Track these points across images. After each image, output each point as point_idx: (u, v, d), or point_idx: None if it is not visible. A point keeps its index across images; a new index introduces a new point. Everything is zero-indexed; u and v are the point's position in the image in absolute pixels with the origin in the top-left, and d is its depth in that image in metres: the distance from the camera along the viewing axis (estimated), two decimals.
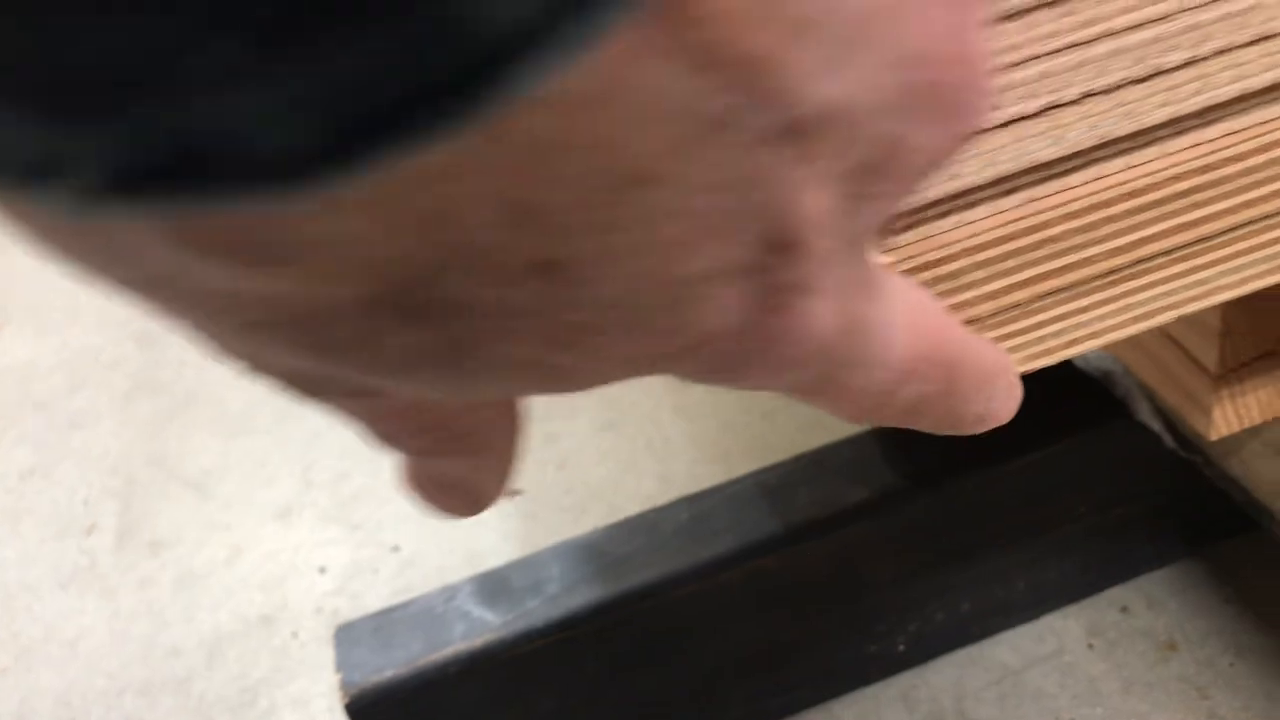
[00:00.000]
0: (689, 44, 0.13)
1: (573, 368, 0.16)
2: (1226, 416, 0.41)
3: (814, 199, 0.15)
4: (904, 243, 0.27)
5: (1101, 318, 0.31)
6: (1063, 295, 0.30)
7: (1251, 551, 0.57)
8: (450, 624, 0.50)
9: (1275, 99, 0.28)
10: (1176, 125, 0.28)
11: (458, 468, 0.22)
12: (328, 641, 0.69)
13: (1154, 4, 0.25)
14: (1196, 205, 0.29)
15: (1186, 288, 0.31)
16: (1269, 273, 0.31)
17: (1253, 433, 0.45)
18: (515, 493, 0.75)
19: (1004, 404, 0.22)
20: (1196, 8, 0.26)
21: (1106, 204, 0.28)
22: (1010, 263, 0.28)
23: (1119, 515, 0.55)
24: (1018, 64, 0.25)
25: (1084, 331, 0.31)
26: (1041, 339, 0.30)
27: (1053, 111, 0.27)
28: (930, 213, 0.27)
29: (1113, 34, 0.26)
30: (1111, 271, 0.30)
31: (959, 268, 0.28)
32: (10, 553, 0.80)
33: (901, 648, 0.55)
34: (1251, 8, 0.26)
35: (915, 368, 0.20)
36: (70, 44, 0.09)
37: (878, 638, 0.54)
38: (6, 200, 0.12)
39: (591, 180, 0.13)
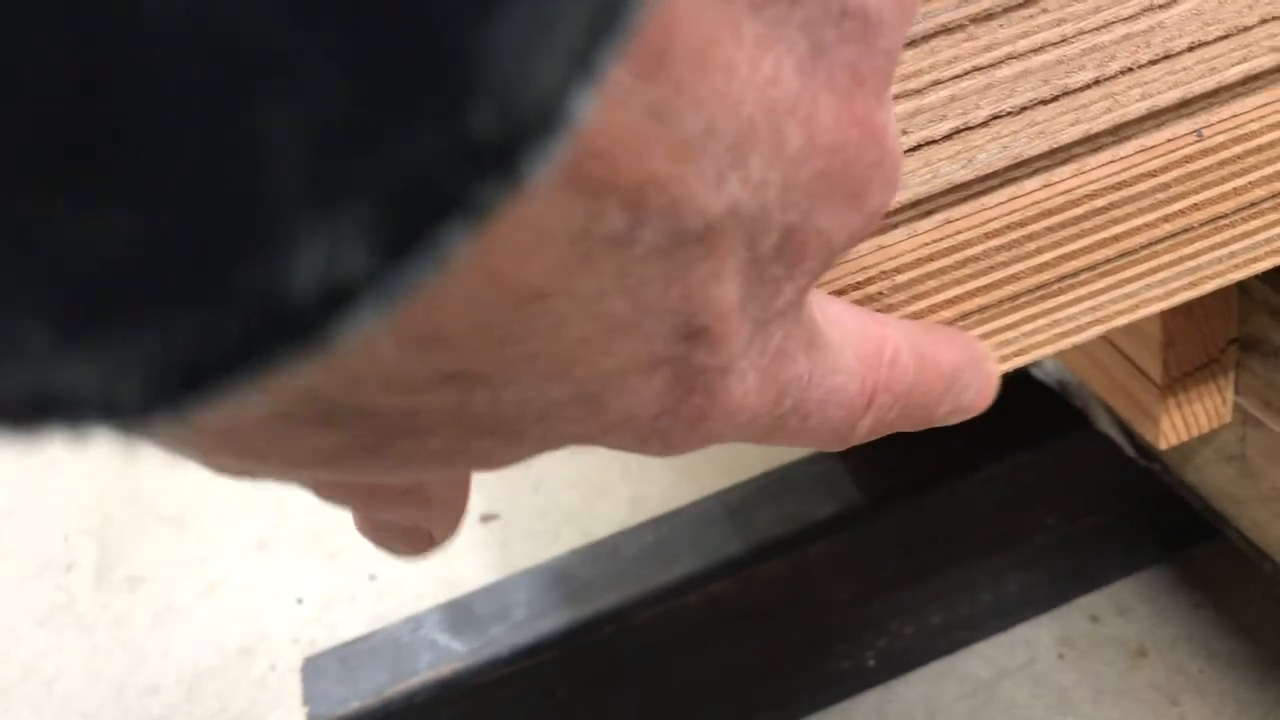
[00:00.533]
0: (578, 177, 0.13)
1: (491, 451, 0.16)
2: (1175, 425, 0.41)
3: (726, 290, 0.16)
4: None
5: (1029, 334, 0.31)
6: (987, 313, 0.30)
7: (1219, 556, 0.57)
8: (417, 653, 0.50)
9: (1184, 115, 0.28)
10: (1091, 143, 0.28)
11: (406, 518, 0.22)
12: None
13: (1054, 28, 0.26)
14: (1115, 221, 0.29)
15: (1113, 301, 0.31)
16: (1193, 285, 0.31)
17: (1205, 440, 0.45)
18: (491, 517, 0.75)
19: (977, 396, 0.22)
20: (1096, 30, 0.26)
21: (1024, 223, 0.29)
22: (930, 284, 0.29)
23: (1085, 524, 0.55)
24: (921, 90, 0.26)
25: (1011, 349, 0.31)
26: None
27: (963, 134, 0.27)
28: None
29: (1016, 56, 0.26)
30: (1037, 288, 0.30)
31: (878, 290, 0.28)
32: None
33: (872, 663, 0.55)
34: (1152, 28, 0.26)
35: (872, 399, 0.20)
36: None
37: (847, 654, 0.54)
38: None
39: (485, 304, 0.14)
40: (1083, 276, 0.30)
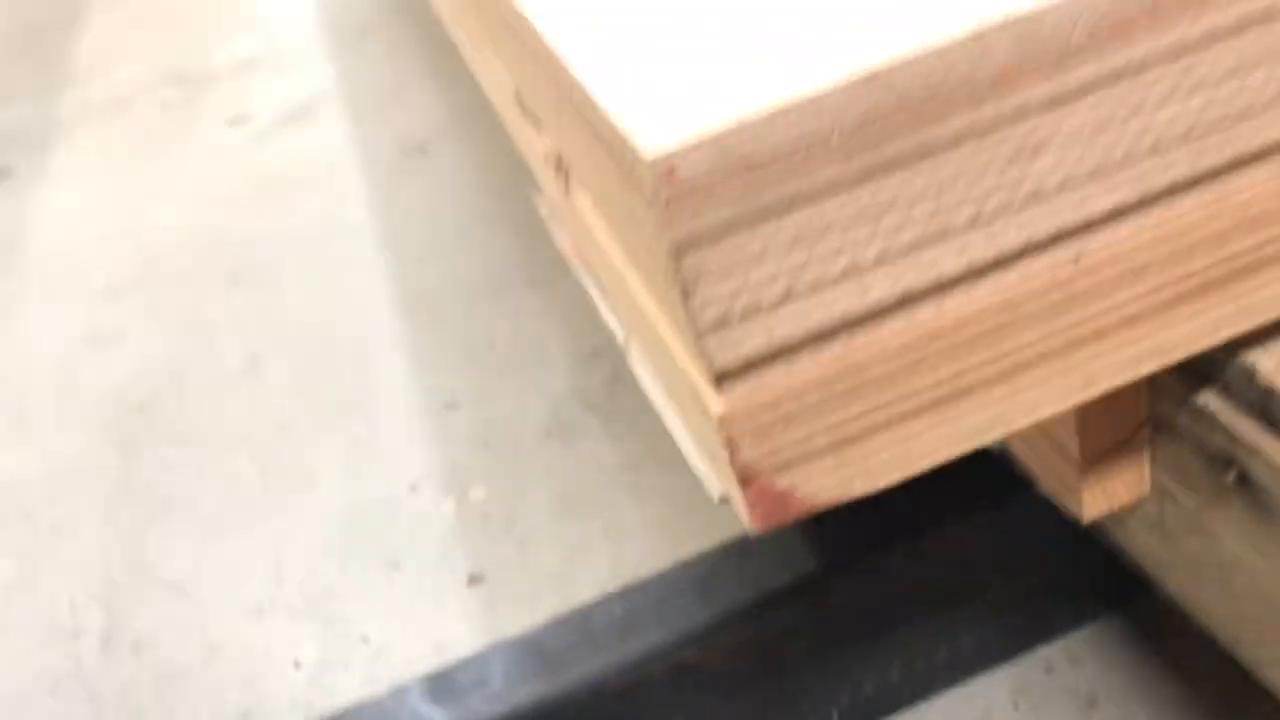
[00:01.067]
0: None
1: None
2: (1096, 499, 0.44)
3: None
4: (736, 391, 0.31)
5: (938, 437, 0.34)
6: (894, 422, 0.33)
7: (1165, 607, 0.59)
8: None
9: (1058, 244, 0.31)
10: (978, 273, 0.31)
11: None
12: None
13: (929, 179, 0.29)
14: (1004, 338, 0.32)
15: (1014, 407, 0.34)
16: (1086, 387, 0.34)
17: (1131, 509, 0.48)
18: (477, 580, 0.78)
19: None
20: (972, 179, 0.29)
21: (919, 344, 0.32)
22: (838, 400, 0.32)
23: (1034, 580, 0.57)
24: (812, 239, 0.29)
25: (919, 450, 0.34)
26: (878, 464, 0.33)
27: (854, 273, 0.30)
28: (754, 365, 0.31)
29: (897, 206, 0.29)
30: (937, 400, 0.33)
31: (789, 411, 0.31)
32: None
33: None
34: (1023, 174, 0.30)
35: None
36: None
37: (812, 711, 0.57)
38: None
39: None
40: (978, 387, 0.33)
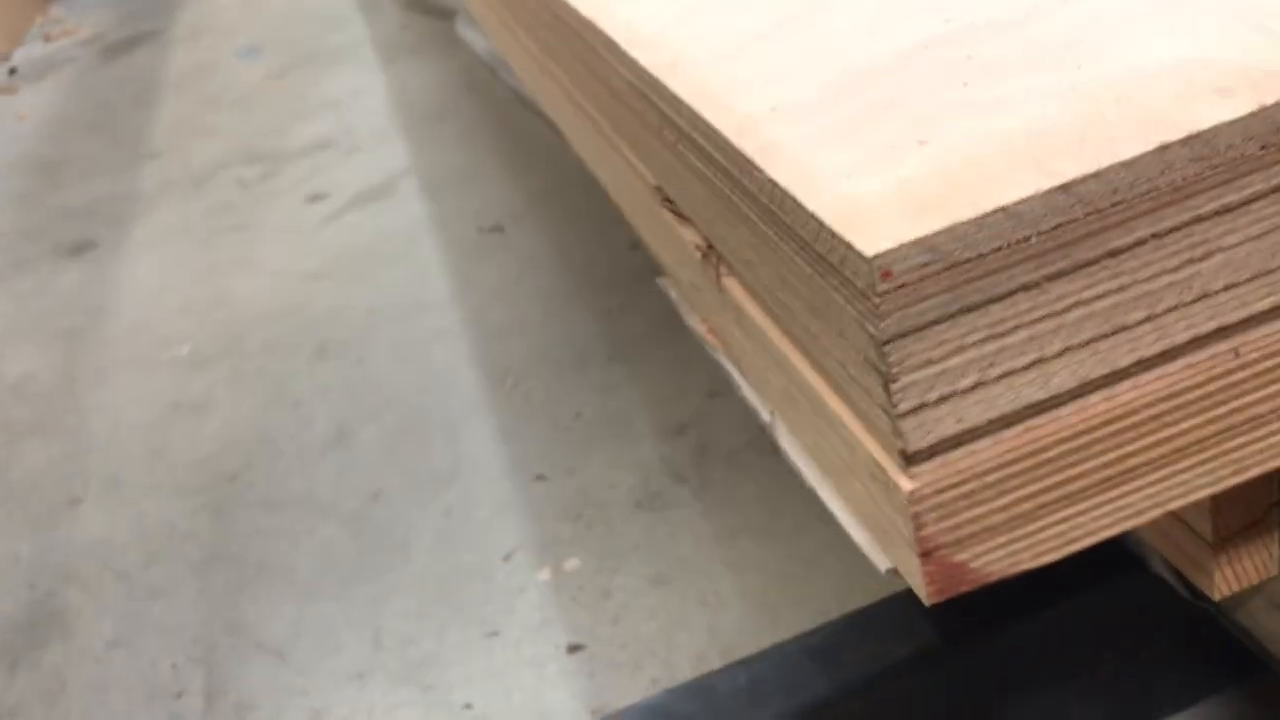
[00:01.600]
0: None
1: None
2: (1227, 577, 0.46)
3: None
4: (925, 471, 0.33)
5: (1096, 518, 0.36)
6: (1062, 502, 0.35)
7: (1273, 691, 0.60)
8: None
9: (1220, 339, 0.34)
10: (1144, 364, 0.34)
11: None
12: None
13: (1111, 279, 0.32)
14: (1167, 424, 0.35)
15: (1169, 489, 0.36)
16: (1238, 472, 0.37)
17: (1256, 588, 0.49)
18: (577, 648, 0.80)
19: None
20: (1149, 279, 0.32)
21: (1090, 429, 0.34)
22: (1015, 480, 0.34)
23: (1142, 659, 0.59)
24: (1004, 333, 0.31)
25: (1080, 530, 0.36)
26: (1044, 540, 0.35)
27: (1039, 364, 0.33)
28: (942, 447, 0.33)
29: (1082, 303, 0.32)
30: (1102, 481, 0.35)
31: (971, 490, 0.34)
32: None
33: None
34: (1193, 275, 0.32)
35: None
36: None
37: None
38: None
39: None
40: (1141, 470, 0.35)
